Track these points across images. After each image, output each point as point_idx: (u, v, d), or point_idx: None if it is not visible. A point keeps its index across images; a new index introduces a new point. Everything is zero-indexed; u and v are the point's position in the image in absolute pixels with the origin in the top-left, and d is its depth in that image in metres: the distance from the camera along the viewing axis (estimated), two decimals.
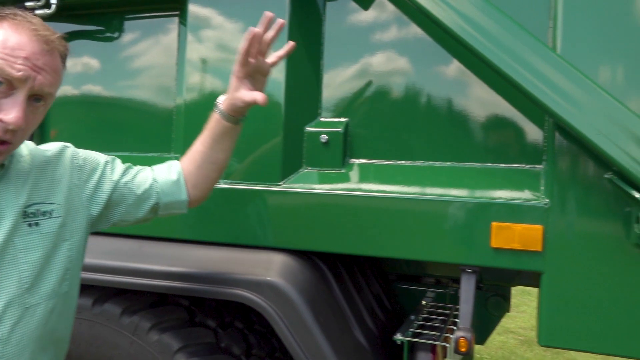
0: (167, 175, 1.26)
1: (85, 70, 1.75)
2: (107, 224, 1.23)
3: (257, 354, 1.59)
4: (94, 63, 1.74)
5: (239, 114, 1.22)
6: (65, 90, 1.76)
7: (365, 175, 1.42)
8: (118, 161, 1.26)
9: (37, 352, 1.02)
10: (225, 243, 1.48)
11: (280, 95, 1.42)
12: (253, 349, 1.59)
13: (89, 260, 1.49)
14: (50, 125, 1.78)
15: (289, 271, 1.37)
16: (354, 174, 1.43)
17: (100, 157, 1.23)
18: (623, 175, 1.10)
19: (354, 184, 1.41)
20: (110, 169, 1.22)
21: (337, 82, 1.47)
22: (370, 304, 1.62)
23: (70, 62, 1.73)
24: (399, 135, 1.41)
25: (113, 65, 1.71)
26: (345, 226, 1.36)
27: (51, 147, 1.15)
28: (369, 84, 1.44)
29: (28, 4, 1.61)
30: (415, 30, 1.40)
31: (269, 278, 1.33)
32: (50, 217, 1.07)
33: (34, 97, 0.97)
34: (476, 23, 1.21)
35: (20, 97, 0.93)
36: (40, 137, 1.76)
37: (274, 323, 1.29)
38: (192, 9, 1.51)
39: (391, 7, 1.41)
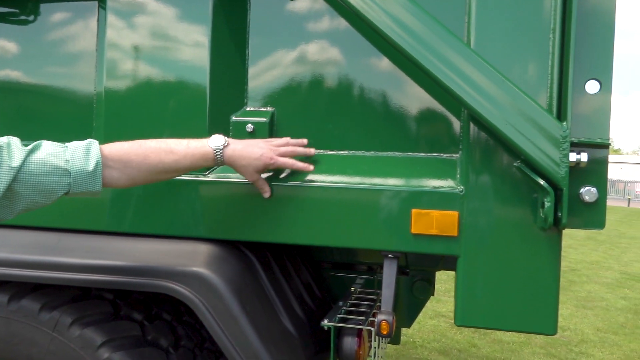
0: (82, 165, 1.16)
1: (2, 56, 1.65)
2: (11, 214, 1.14)
3: (185, 345, 1.57)
4: (8, 47, 1.65)
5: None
6: None
7: None
8: (16, 142, 1.13)
9: None
10: (151, 234, 1.45)
11: (204, 83, 1.40)
12: (182, 340, 1.58)
13: (3, 254, 1.43)
14: None
15: (214, 261, 1.36)
16: None
17: None
18: (530, 163, 1.17)
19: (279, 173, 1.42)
20: (7, 154, 1.10)
21: (263, 71, 1.47)
22: (299, 292, 1.65)
23: None
24: (323, 125, 1.44)
25: (29, 51, 1.62)
26: (269, 215, 1.37)
27: None
28: (294, 73, 1.45)
29: None
30: (339, 21, 1.42)
31: (194, 268, 1.32)
32: None
33: None
34: (396, 18, 1.23)
35: None
36: None
37: (200, 314, 1.29)
38: None
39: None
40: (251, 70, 1.47)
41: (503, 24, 1.25)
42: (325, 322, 1.40)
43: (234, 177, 1.39)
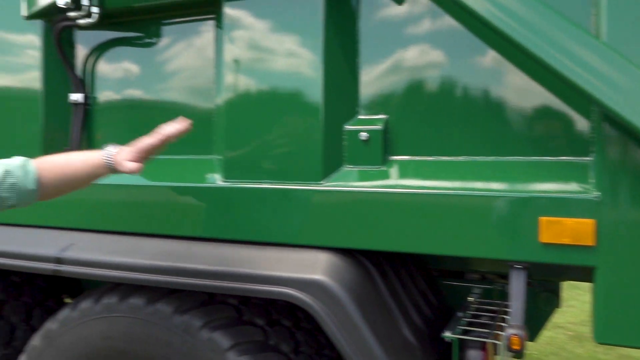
0: (25, 185, 1.26)
1: (126, 75, 1.79)
2: None
3: (305, 351, 1.61)
4: (134, 68, 1.79)
5: None
6: (108, 95, 1.82)
7: (407, 172, 1.41)
8: None
9: None
10: (271, 242, 1.49)
11: (318, 94, 1.42)
12: (301, 346, 1.61)
13: (140, 261, 1.55)
14: (96, 129, 1.83)
15: (334, 269, 1.37)
16: (395, 171, 1.42)
17: None
18: None
19: (396, 181, 1.40)
20: None
21: (375, 79, 1.46)
22: (416, 301, 1.62)
23: (111, 68, 1.79)
24: (439, 130, 1.40)
25: (152, 70, 1.75)
26: (389, 223, 1.36)
27: None
28: (407, 79, 1.43)
29: (71, 14, 1.66)
30: (451, 22, 1.37)
31: (315, 276, 1.34)
32: None
33: None
34: (515, 13, 1.17)
35: None
36: (88, 141, 1.82)
37: (322, 321, 1.31)
38: (228, 11, 1.53)
39: (425, 0, 1.39)
40: (363, 78, 1.47)
41: (637, 10, 1.14)
42: (447, 333, 1.36)
43: (351, 186, 1.39)
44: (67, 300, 2.54)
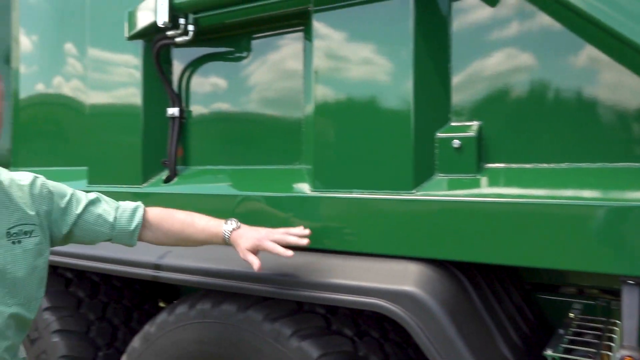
0: (125, 225, 1.48)
1: (219, 88, 1.86)
2: (65, 244, 1.48)
3: None
4: (226, 81, 1.85)
5: None
6: (202, 108, 1.90)
7: (503, 180, 1.35)
8: (80, 194, 1.48)
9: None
10: (360, 252, 1.48)
11: (409, 102, 1.40)
12: (390, 358, 1.58)
13: (232, 268, 1.59)
14: (191, 142, 1.92)
15: (426, 281, 1.34)
16: (491, 179, 1.36)
17: (66, 189, 1.46)
18: None
19: (491, 190, 1.34)
20: (75, 202, 1.44)
21: (467, 84, 1.41)
22: (512, 316, 1.54)
23: (204, 82, 1.87)
24: (538, 136, 1.32)
25: (243, 82, 1.81)
26: (483, 234, 1.30)
27: (24, 177, 1.39)
28: (500, 83, 1.37)
29: (169, 33, 1.75)
30: (545, 21, 1.30)
31: (407, 288, 1.31)
32: (30, 236, 1.31)
33: None
34: (621, 5, 1.10)
35: None
36: (186, 154, 1.91)
37: (415, 334, 1.27)
38: (316, 23, 1.54)
39: (519, 1, 1.33)
40: (454, 84, 1.43)
41: None
42: (549, 351, 1.27)
43: (443, 195, 1.36)
44: (162, 304, 2.67)
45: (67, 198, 1.44)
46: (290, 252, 1.42)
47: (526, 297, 1.80)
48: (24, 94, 2.44)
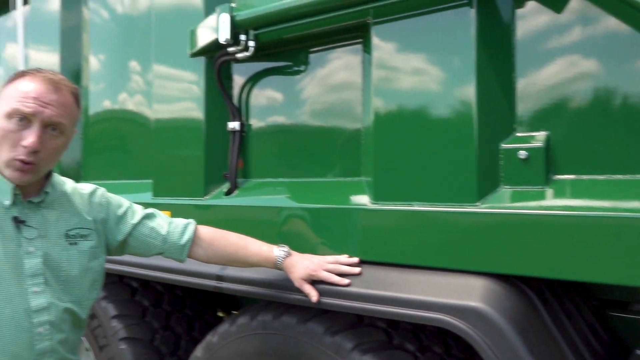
0: (176, 240, 1.55)
1: (277, 102, 1.89)
2: (120, 254, 1.57)
3: None
4: (284, 95, 1.88)
5: None
6: (259, 122, 1.93)
7: (573, 192, 1.30)
8: (137, 207, 1.56)
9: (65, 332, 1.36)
10: (422, 266, 1.46)
11: (472, 112, 1.37)
12: None
13: (293, 283, 1.59)
14: (251, 155, 1.95)
15: (493, 296, 1.30)
16: (560, 191, 1.31)
17: (124, 201, 1.55)
18: None
19: (560, 202, 1.29)
20: (131, 213, 1.53)
21: (533, 93, 1.37)
22: (584, 334, 1.46)
23: (264, 96, 1.90)
24: (610, 145, 1.26)
25: (301, 96, 1.83)
26: (553, 248, 1.25)
27: (86, 187, 1.49)
28: (569, 91, 1.32)
29: (230, 49, 1.80)
30: (615, 24, 1.24)
31: (473, 303, 1.27)
32: (85, 240, 1.40)
33: (50, 127, 1.25)
34: None
35: (36, 127, 1.23)
36: (246, 166, 1.95)
37: (482, 352, 1.23)
38: (376, 35, 1.54)
39: (587, 6, 1.28)
40: (519, 93, 1.39)
41: None
42: None
43: (510, 208, 1.31)
44: (221, 314, 2.72)
45: (123, 208, 1.53)
46: (346, 281, 1.48)
47: (597, 314, 1.71)
48: (92, 110, 2.57)
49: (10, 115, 1.23)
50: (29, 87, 1.24)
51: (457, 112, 1.40)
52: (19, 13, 2.88)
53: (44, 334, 1.29)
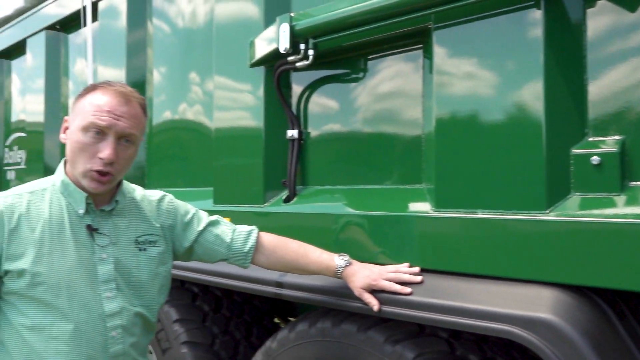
0: (240, 247, 1.58)
1: (335, 110, 1.90)
2: (187, 260, 1.60)
3: None
4: (342, 102, 1.88)
5: None
6: (317, 130, 1.94)
7: None
8: (202, 214, 1.60)
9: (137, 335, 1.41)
10: (485, 275, 1.42)
11: (540, 117, 1.32)
12: None
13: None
14: (309, 162, 1.97)
15: (564, 308, 1.24)
16: (635, 198, 1.24)
17: (190, 207, 1.59)
18: None
19: (636, 210, 1.22)
20: (197, 220, 1.57)
21: (606, 96, 1.31)
22: None
23: (322, 104, 1.91)
24: None
25: (360, 103, 1.83)
26: (630, 258, 1.18)
27: (155, 194, 1.55)
28: None
29: (290, 58, 1.82)
30: None
31: (542, 315, 1.22)
32: (154, 246, 1.45)
33: (123, 138, 1.31)
34: None
35: (110, 139, 1.28)
36: (305, 174, 1.97)
37: None
38: (437, 40, 1.52)
39: None
40: (591, 97, 1.33)
41: None
42: None
43: (582, 216, 1.26)
44: (277, 320, 2.74)
45: (190, 215, 1.57)
46: (408, 290, 1.45)
47: None
48: (156, 120, 2.68)
49: (86, 129, 1.28)
50: (102, 100, 1.30)
51: (525, 117, 1.35)
52: (88, 30, 3.04)
53: (117, 337, 1.34)
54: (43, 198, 1.33)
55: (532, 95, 1.34)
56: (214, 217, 1.62)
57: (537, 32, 1.34)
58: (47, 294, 1.27)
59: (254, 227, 1.63)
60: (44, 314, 1.27)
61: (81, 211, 1.34)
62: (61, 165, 1.39)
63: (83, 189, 1.34)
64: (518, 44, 1.37)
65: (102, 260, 1.34)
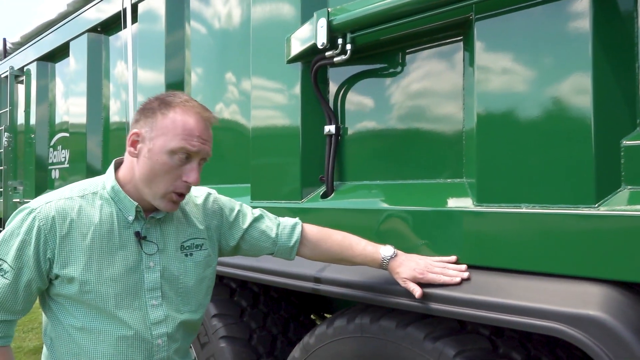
0: (285, 241, 1.58)
1: (373, 104, 1.88)
2: (232, 255, 1.62)
3: None
4: (380, 97, 1.86)
5: None
6: (354, 125, 1.93)
7: None
8: (247, 209, 1.61)
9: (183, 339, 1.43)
10: (528, 271, 1.38)
11: (588, 107, 1.28)
12: None
13: (392, 286, 1.57)
14: (346, 158, 1.96)
15: (614, 305, 1.20)
16: None
17: (234, 203, 1.59)
18: None
19: None
20: (242, 217, 1.57)
21: None
22: None
23: (359, 99, 1.90)
24: None
25: (398, 97, 1.81)
26: None
27: (199, 193, 1.54)
28: None
29: (328, 53, 1.82)
30: None
31: (592, 312, 1.18)
32: (200, 249, 1.45)
33: (203, 160, 1.34)
34: None
35: (195, 163, 1.30)
36: (342, 169, 1.96)
37: None
38: (479, 31, 1.49)
39: None
40: None
41: None
42: None
43: (630, 210, 1.21)
44: (313, 317, 2.74)
45: (235, 213, 1.57)
46: (458, 279, 1.43)
47: None
48: None
49: (174, 152, 1.26)
50: (191, 124, 1.28)
51: (572, 107, 1.31)
52: (128, 32, 3.11)
53: (162, 345, 1.35)
54: (94, 203, 1.32)
55: (579, 86, 1.30)
56: (258, 212, 1.62)
57: (585, 21, 1.29)
58: (96, 300, 1.28)
59: (297, 220, 1.63)
60: (92, 317, 1.29)
61: (131, 218, 1.34)
62: (111, 168, 1.38)
63: (138, 199, 1.33)
64: (564, 34, 1.33)
65: (149, 269, 1.34)
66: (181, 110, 1.29)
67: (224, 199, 1.59)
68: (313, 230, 1.62)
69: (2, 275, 1.24)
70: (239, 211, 1.58)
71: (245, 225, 1.56)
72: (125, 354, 1.31)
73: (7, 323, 1.29)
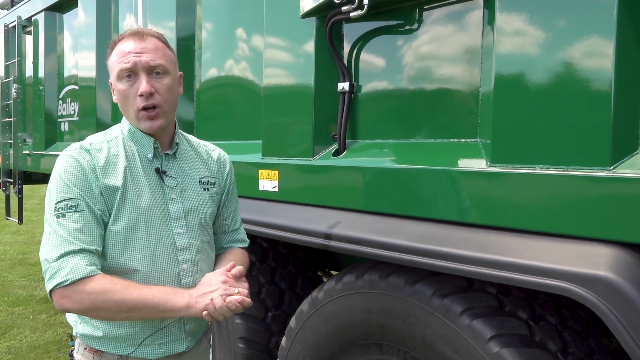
0: (229, 236, 1.70)
1: (388, 62, 1.86)
2: None
3: (574, 353, 1.47)
4: (395, 55, 1.83)
5: None
6: (369, 83, 1.91)
7: None
8: (236, 195, 1.72)
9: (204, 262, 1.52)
10: (539, 232, 1.39)
11: (609, 68, 1.26)
12: (569, 347, 1.48)
13: (402, 242, 1.59)
14: (359, 117, 1.95)
15: (624, 267, 1.21)
16: None
17: (234, 182, 1.68)
18: None
19: None
20: (231, 196, 1.67)
21: None
22: None
23: (374, 57, 1.87)
24: None
25: (414, 55, 1.78)
26: None
27: (210, 146, 1.66)
28: None
29: (344, 8, 1.78)
30: None
31: (601, 272, 1.20)
32: (214, 186, 1.57)
33: (153, 72, 1.37)
34: None
35: (143, 77, 1.35)
36: (355, 127, 1.95)
37: (611, 325, 1.16)
38: None
39: None
40: None
41: None
42: None
43: None
44: (320, 273, 2.79)
45: (231, 188, 1.67)
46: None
47: None
48: (204, 76, 2.69)
49: (119, 78, 1.37)
50: (122, 47, 1.38)
51: (593, 69, 1.29)
52: None
53: (187, 270, 1.45)
54: (118, 146, 1.43)
55: (600, 45, 1.27)
56: (238, 205, 1.73)
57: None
58: (127, 228, 1.36)
59: (245, 244, 1.74)
60: (123, 245, 1.37)
61: (150, 155, 1.44)
62: (124, 117, 1.48)
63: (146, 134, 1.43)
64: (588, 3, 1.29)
65: (172, 200, 1.45)
66: (119, 43, 1.39)
67: (233, 173, 1.69)
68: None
69: (74, 211, 1.30)
70: (233, 192, 1.69)
71: (228, 201, 1.66)
72: (156, 279, 1.39)
73: (90, 253, 1.30)
